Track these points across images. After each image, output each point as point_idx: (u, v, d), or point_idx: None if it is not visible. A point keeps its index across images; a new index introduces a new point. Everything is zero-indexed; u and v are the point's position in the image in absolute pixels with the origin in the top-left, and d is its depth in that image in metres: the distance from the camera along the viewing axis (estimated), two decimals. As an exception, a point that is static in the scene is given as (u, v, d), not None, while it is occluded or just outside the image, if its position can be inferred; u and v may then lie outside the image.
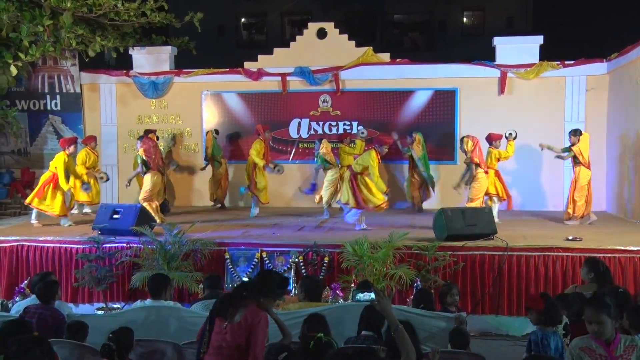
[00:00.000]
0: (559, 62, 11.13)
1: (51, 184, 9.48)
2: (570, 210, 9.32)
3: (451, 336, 4.70)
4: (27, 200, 9.67)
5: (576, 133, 9.41)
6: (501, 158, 9.60)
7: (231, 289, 4.07)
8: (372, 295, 3.35)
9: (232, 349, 3.74)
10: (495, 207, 9.48)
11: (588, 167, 9.29)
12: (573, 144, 9.31)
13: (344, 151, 10.65)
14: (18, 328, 4.17)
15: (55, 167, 9.49)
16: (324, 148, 10.36)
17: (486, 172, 9.27)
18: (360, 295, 3.39)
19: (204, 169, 11.86)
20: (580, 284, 6.16)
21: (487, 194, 9.41)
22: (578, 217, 9.28)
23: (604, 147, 11.10)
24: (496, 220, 8.65)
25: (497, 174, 9.62)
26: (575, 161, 9.32)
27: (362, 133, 10.86)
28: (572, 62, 11.15)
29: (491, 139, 9.58)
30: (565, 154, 9.45)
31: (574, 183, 9.33)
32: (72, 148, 9.75)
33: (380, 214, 10.36)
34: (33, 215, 9.68)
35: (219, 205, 11.79)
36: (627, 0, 15.51)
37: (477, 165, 9.20)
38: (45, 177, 9.65)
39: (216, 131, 11.80)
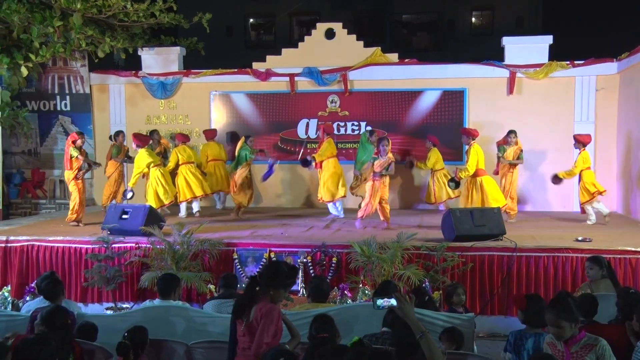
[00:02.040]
0: (568, 62, 11.07)
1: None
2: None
3: (447, 335, 4.65)
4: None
5: (517, 134, 9.73)
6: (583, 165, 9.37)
7: (244, 288, 4.03)
8: (393, 301, 3.26)
9: None
10: (600, 204, 9.44)
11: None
12: (509, 144, 9.70)
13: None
14: (60, 314, 4.26)
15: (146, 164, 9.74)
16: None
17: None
18: (380, 302, 3.32)
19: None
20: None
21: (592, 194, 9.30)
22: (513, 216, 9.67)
23: (614, 147, 11.04)
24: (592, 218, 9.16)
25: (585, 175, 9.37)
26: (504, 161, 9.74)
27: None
28: (581, 62, 11.08)
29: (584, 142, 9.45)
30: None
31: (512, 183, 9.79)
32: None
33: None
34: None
35: None
36: (637, 0, 15.41)
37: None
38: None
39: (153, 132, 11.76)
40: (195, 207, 10.63)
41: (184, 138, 10.82)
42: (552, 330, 3.70)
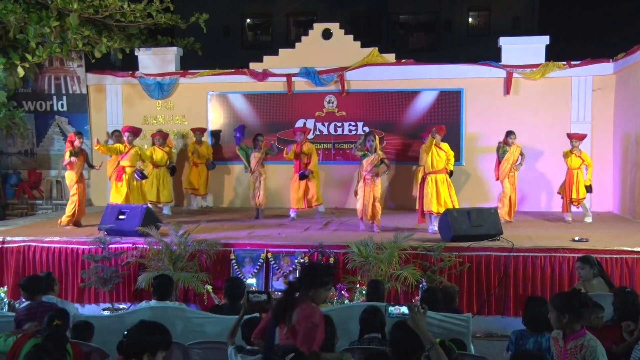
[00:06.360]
0: (565, 62, 11.09)
1: None
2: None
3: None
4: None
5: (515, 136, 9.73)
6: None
7: (283, 292, 3.99)
8: (405, 309, 3.24)
9: None
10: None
11: None
12: (508, 145, 9.69)
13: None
14: (58, 315, 4.26)
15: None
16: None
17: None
18: (391, 309, 3.29)
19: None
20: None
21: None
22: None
23: (611, 147, 11.05)
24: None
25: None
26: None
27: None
28: (578, 62, 11.10)
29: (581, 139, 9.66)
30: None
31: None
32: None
33: (385, 215, 10.34)
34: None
35: None
36: (634, 0, 15.46)
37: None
38: None
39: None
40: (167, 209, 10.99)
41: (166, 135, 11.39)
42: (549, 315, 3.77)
